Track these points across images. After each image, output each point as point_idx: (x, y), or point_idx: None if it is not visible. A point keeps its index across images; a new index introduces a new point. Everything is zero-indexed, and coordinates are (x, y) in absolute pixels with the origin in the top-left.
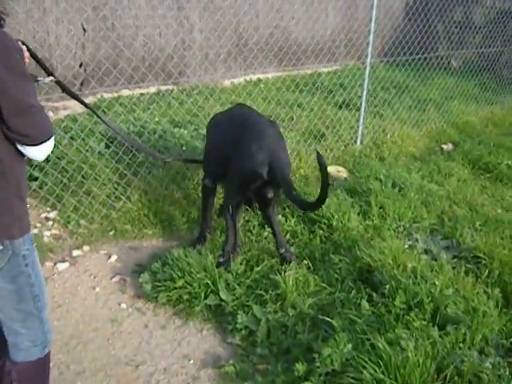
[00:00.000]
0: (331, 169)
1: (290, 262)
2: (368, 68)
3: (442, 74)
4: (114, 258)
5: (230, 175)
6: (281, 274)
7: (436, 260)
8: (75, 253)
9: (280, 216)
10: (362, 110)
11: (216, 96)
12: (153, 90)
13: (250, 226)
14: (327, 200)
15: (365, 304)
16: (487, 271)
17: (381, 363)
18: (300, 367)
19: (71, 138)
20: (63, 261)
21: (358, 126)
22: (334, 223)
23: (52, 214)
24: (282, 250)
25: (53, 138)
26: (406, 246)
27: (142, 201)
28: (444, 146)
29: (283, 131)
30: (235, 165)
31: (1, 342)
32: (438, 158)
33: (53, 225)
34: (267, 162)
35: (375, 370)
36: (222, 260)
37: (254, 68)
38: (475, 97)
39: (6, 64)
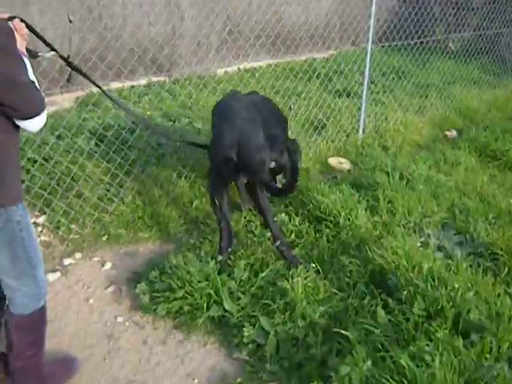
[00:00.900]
0: (333, 160)
1: (291, 262)
2: (369, 53)
3: (440, 58)
4: (108, 265)
5: None
6: (288, 280)
7: (451, 258)
8: (66, 261)
9: (283, 214)
10: (364, 97)
11: (210, 86)
12: (143, 82)
13: (252, 227)
14: (332, 196)
15: (381, 312)
16: (506, 269)
17: (405, 382)
18: None
19: (58, 136)
20: (54, 270)
21: (359, 115)
22: (341, 221)
23: (41, 219)
24: (278, 243)
25: (45, 113)
26: (419, 244)
27: (136, 202)
28: (448, 133)
29: None
30: (208, 150)
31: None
32: (443, 147)
33: (42, 231)
34: (235, 145)
35: None
36: (219, 258)
37: (246, 55)
38: (476, 80)
39: None
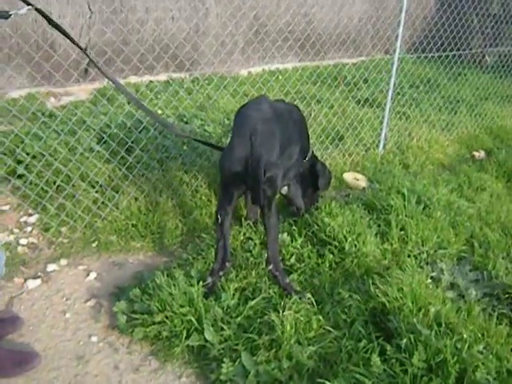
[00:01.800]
0: (348, 176)
1: (285, 290)
2: (396, 64)
3: (474, 71)
4: (92, 275)
5: None
6: (279, 311)
7: (464, 298)
8: (50, 267)
9: (285, 234)
10: (387, 110)
11: (231, 88)
12: (163, 77)
13: (250, 245)
14: (340, 218)
15: (376, 360)
16: None
17: None
18: None
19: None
20: (35, 277)
21: (381, 129)
22: (347, 247)
23: (32, 219)
24: (270, 267)
25: None
26: (429, 281)
27: (131, 209)
28: (476, 154)
29: None
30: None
31: None
32: (468, 168)
33: (31, 231)
34: (244, 159)
35: None
36: (208, 280)
37: (272, 56)
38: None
39: None
